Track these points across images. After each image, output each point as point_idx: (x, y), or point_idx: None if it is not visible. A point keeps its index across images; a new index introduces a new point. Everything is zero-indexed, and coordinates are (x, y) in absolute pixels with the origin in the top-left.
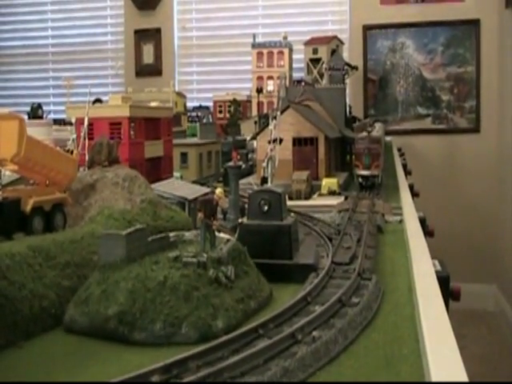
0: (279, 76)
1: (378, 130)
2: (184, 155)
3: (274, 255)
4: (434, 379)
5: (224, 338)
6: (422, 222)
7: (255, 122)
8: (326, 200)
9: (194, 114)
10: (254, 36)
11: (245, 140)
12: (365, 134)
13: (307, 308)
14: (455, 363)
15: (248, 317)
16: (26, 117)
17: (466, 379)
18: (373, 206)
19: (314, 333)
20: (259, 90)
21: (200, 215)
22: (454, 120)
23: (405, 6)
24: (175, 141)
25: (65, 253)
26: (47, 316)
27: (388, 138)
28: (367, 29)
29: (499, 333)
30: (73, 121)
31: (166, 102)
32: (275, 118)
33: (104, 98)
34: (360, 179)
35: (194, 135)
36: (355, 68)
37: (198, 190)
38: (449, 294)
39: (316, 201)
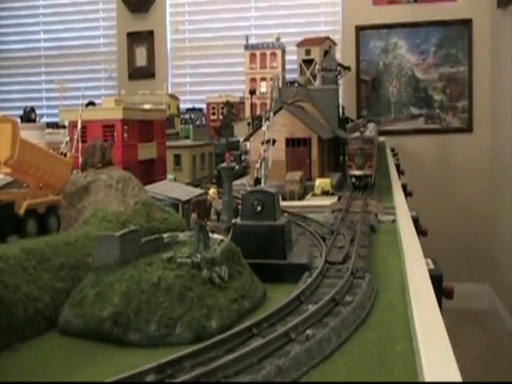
0: (272, 77)
1: (371, 130)
2: (177, 157)
3: (268, 255)
4: (426, 377)
5: (218, 337)
6: (415, 221)
7: (248, 124)
8: (320, 200)
9: (187, 116)
10: (247, 38)
11: (238, 141)
12: (358, 134)
13: (301, 307)
14: (448, 361)
15: (242, 317)
16: (18, 120)
17: (458, 376)
18: (366, 205)
19: (308, 331)
20: (252, 92)
21: (194, 216)
22: (446, 120)
23: (397, 6)
24: (168, 143)
25: (59, 255)
26: (42, 318)
27: (381, 139)
28: (360, 29)
29: (493, 332)
30: (66, 124)
31: (159, 105)
32: (268, 119)
33: (97, 101)
34: (353, 179)
35: (187, 137)
36: (348, 69)
37: (191, 192)
38: (442, 292)
39: (309, 201)
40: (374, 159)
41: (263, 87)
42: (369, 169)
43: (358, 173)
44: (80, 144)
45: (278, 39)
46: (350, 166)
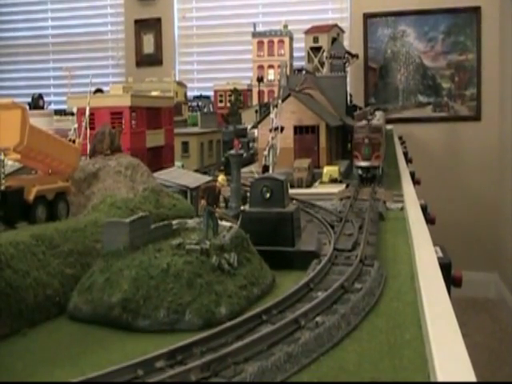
0: (280, 65)
1: (378, 118)
2: (185, 144)
3: (277, 242)
4: (437, 364)
5: (227, 324)
6: (424, 209)
7: (256, 111)
8: (328, 188)
9: (194, 103)
10: (255, 25)
11: (246, 129)
12: (364, 122)
13: (310, 294)
14: (458, 347)
15: (251, 303)
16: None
17: (469, 363)
18: (374, 193)
19: (317, 318)
20: (260, 79)
21: (203, 202)
22: (454, 108)
23: None
24: (176, 130)
25: (68, 241)
26: (51, 304)
27: (389, 127)
28: (368, 17)
29: (500, 321)
30: (74, 111)
31: (167, 92)
32: (276, 106)
33: (105, 89)
34: (359, 171)
35: (194, 124)
36: (356, 56)
37: (199, 179)
38: (450, 280)
39: (317, 189)
40: (382, 149)
41: (271, 74)
42: (376, 160)
43: (364, 164)
44: (88, 131)
45: (285, 26)
46: (356, 156)
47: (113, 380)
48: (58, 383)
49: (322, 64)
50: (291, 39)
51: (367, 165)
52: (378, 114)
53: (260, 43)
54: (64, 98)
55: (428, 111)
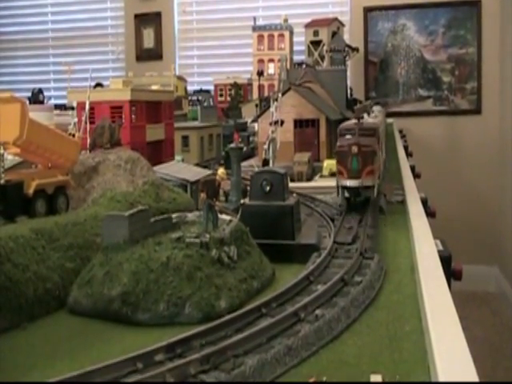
0: (280, 59)
1: (375, 115)
2: (185, 138)
3: (277, 235)
4: (436, 356)
5: (227, 317)
6: (424, 202)
7: (256, 105)
8: (328, 181)
9: (194, 97)
10: (255, 19)
11: (246, 123)
12: (353, 122)
13: (310, 287)
14: (458, 340)
15: (251, 296)
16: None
17: (469, 356)
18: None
19: (317, 311)
20: (260, 73)
21: (202, 196)
22: (455, 101)
23: None
24: (176, 124)
25: (68, 235)
26: (51, 298)
27: (389, 120)
28: (368, 10)
29: (501, 314)
30: (74, 105)
31: (167, 86)
32: (276, 100)
33: (105, 83)
34: (345, 193)
35: (194, 119)
36: (356, 50)
37: (199, 173)
38: (451, 273)
39: (317, 182)
40: (378, 160)
41: (271, 68)
42: (368, 176)
43: (351, 183)
44: (88, 125)
45: (285, 20)
46: (340, 172)
47: (112, 373)
48: (57, 382)
49: (322, 58)
50: (291, 33)
51: (355, 185)
52: (376, 109)
53: (260, 37)
54: (64, 93)
55: (428, 105)
